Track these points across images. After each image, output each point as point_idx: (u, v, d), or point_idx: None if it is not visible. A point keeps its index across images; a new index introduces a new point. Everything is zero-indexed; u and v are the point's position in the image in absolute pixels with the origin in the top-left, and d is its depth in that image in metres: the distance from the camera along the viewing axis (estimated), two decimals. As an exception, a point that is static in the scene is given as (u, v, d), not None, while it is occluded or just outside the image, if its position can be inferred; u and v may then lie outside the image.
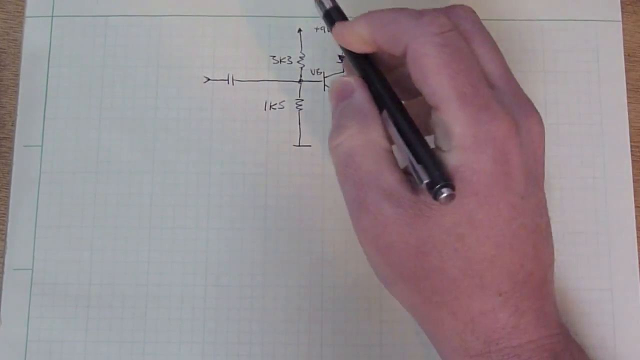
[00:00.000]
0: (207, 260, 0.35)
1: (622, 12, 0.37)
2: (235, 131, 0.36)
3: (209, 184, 0.36)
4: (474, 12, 0.29)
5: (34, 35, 0.37)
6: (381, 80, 0.29)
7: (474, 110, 0.26)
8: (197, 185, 0.36)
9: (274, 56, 0.37)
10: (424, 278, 0.27)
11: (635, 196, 0.35)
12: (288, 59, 0.37)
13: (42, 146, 0.36)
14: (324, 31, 0.37)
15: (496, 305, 0.27)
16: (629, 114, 0.36)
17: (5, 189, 0.36)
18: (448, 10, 0.28)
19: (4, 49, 0.37)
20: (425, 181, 0.26)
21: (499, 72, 0.28)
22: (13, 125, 0.36)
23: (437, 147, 0.27)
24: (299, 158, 0.36)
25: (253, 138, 0.36)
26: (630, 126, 0.36)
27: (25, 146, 0.36)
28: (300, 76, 0.37)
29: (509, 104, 0.27)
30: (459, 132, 0.26)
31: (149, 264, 0.35)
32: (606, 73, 0.37)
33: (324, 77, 0.37)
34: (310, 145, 0.36)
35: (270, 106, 0.37)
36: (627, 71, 0.37)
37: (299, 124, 0.36)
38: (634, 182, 0.36)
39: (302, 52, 0.37)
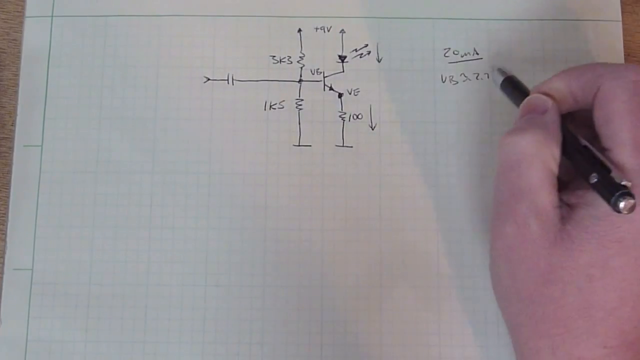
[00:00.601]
0: (207, 260, 0.35)
1: (622, 12, 0.37)
2: (235, 131, 0.36)
3: (209, 184, 0.36)
4: None
5: (34, 35, 0.37)
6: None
7: None
8: (197, 185, 0.36)
9: (274, 56, 0.37)
10: (540, 304, 0.28)
11: (635, 196, 0.35)
12: (288, 59, 0.37)
13: (42, 146, 0.36)
14: (324, 31, 0.37)
15: (597, 357, 0.27)
16: (629, 114, 0.36)
17: (5, 189, 0.36)
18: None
19: (4, 49, 0.37)
20: (624, 182, 0.26)
21: None
22: (13, 125, 0.36)
23: None
24: (299, 158, 0.36)
25: (253, 138, 0.36)
26: (631, 126, 0.36)
27: (25, 146, 0.36)
28: (300, 76, 0.37)
29: None
30: None
31: (149, 264, 0.35)
32: (606, 73, 0.37)
33: (324, 77, 0.37)
34: (310, 145, 0.36)
35: (270, 106, 0.37)
36: (627, 71, 0.37)
37: (299, 124, 0.36)
38: (634, 182, 0.36)
39: (302, 52, 0.37)
